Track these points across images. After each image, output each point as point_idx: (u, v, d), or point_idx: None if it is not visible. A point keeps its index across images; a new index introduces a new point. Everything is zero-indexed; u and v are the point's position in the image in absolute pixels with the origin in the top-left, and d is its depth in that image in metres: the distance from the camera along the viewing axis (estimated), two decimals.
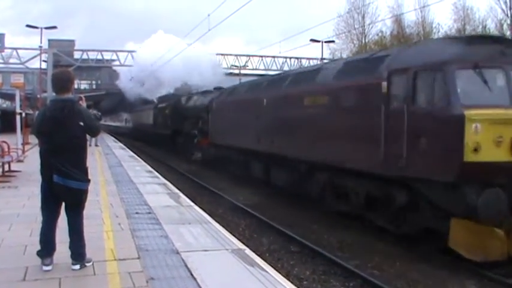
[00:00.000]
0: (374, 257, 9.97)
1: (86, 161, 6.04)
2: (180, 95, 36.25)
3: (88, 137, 6.30)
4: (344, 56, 47.25)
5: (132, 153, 26.45)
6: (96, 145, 28.53)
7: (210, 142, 25.36)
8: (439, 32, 48.60)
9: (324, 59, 44.24)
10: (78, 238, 5.97)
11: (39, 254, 5.93)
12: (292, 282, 6.13)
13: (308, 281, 8.72)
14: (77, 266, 5.92)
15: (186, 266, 6.18)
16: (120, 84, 50.19)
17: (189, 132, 29.64)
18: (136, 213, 9.53)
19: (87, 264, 6.01)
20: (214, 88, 30.46)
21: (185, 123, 30.61)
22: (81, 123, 5.82)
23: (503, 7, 43.14)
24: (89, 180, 5.99)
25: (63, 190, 5.72)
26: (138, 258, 6.49)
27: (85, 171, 5.95)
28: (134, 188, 12.87)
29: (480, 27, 45.87)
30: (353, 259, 9.87)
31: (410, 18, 62.75)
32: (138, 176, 15.53)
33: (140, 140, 51.17)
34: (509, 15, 42.18)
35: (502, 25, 43.30)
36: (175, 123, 33.47)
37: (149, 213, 9.58)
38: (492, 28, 43.95)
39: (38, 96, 40.02)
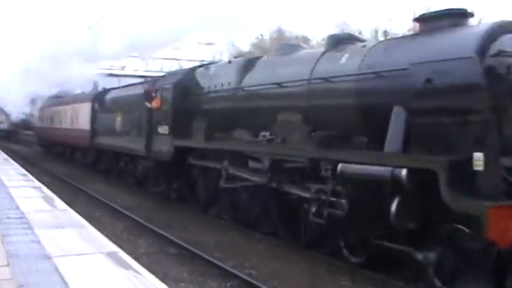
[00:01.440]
0: (251, 257, 10.19)
1: None
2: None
3: None
4: (225, 58, 47.53)
5: (6, 156, 25.27)
6: None
7: None
8: None
9: (204, 60, 44.06)
10: None
11: None
12: (168, 285, 6.18)
13: (185, 282, 8.79)
14: None
15: (58, 271, 6.05)
16: None
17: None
18: (8, 218, 9.15)
19: None
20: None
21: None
22: None
23: None
24: None
25: None
26: (7, 265, 6.25)
27: None
28: (6, 192, 12.28)
29: None
30: (230, 259, 10.03)
31: None
32: (11, 180, 14.86)
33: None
34: None
35: None
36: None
37: (21, 217, 9.22)
38: None
39: None
